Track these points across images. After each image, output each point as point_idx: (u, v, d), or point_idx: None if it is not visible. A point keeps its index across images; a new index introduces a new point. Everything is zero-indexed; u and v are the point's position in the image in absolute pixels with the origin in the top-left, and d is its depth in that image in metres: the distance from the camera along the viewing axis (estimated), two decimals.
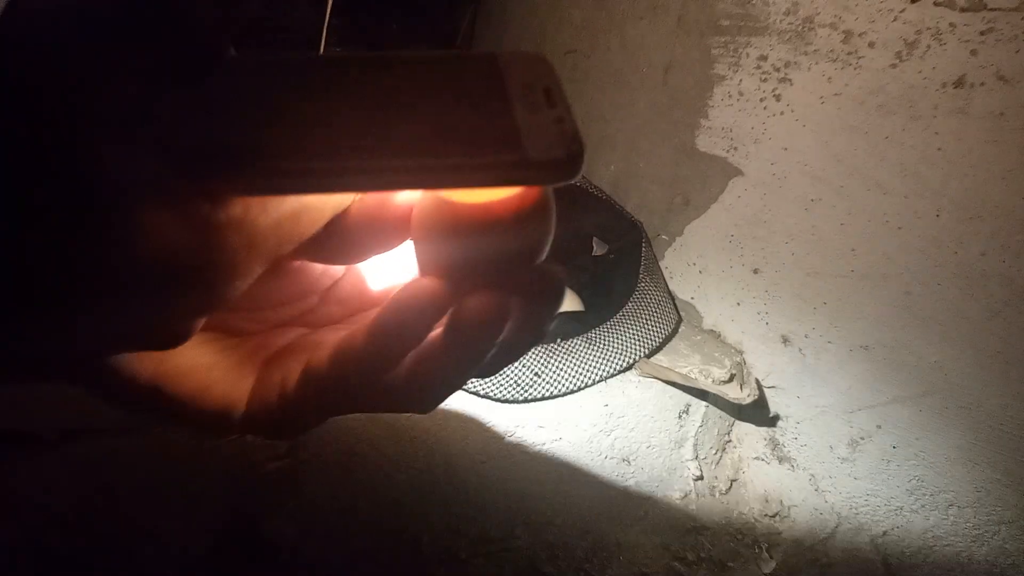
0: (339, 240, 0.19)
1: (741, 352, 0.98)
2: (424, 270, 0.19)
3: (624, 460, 0.85)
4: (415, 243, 0.19)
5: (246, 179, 0.15)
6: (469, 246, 0.18)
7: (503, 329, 0.18)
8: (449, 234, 0.18)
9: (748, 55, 0.91)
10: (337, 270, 0.24)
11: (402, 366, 0.19)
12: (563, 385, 0.86)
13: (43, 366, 0.17)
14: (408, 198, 0.19)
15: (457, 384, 0.20)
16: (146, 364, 0.19)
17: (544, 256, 0.19)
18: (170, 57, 0.15)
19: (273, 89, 0.16)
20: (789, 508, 0.88)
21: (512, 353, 0.21)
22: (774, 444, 0.95)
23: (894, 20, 0.73)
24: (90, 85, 0.14)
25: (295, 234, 0.17)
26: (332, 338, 0.20)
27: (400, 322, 0.18)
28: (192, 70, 0.15)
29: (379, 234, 0.19)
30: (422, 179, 0.16)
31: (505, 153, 0.16)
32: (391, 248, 0.20)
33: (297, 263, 0.22)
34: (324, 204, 0.17)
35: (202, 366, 0.20)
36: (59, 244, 0.13)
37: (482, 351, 0.19)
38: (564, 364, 0.88)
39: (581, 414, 0.85)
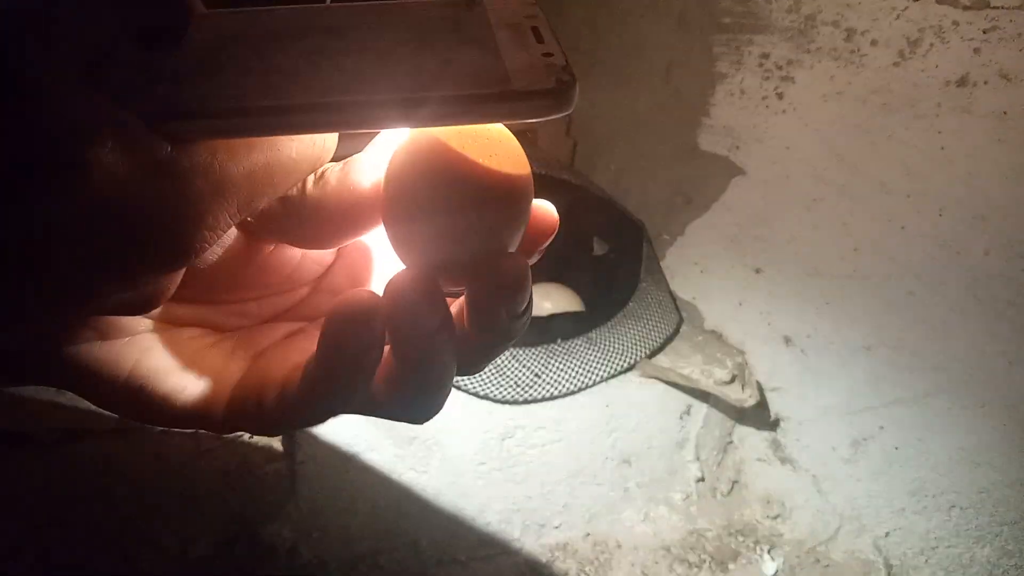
0: (312, 216, 0.18)
1: (743, 353, 0.98)
2: (394, 238, 0.18)
3: (625, 461, 0.85)
4: (385, 207, 0.18)
5: (208, 119, 0.14)
6: (440, 194, 0.17)
7: (431, 317, 0.17)
8: (421, 177, 0.17)
9: (750, 53, 0.90)
10: (327, 258, 0.23)
11: (377, 376, 0.19)
12: (563, 386, 0.86)
13: (13, 352, 0.17)
14: (380, 176, 0.18)
15: (430, 390, 0.19)
16: (124, 363, 0.19)
17: (523, 223, 0.18)
18: (137, 14, 0.15)
19: (246, 37, 0.16)
20: (791, 509, 0.88)
21: (487, 348, 0.19)
22: (776, 445, 0.94)
23: (897, 18, 0.72)
24: (48, 30, 0.14)
25: (268, 186, 0.16)
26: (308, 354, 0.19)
27: (340, 342, 0.17)
28: (161, 32, 0.15)
29: (353, 208, 0.18)
30: (401, 114, 0.15)
31: (492, 85, 0.15)
32: (365, 229, 0.19)
33: (270, 248, 0.21)
34: (300, 158, 0.17)
35: (181, 364, 0.20)
36: (8, 193, 0.12)
37: (427, 347, 0.18)
38: (564, 365, 0.88)
39: (582, 415, 0.85)
